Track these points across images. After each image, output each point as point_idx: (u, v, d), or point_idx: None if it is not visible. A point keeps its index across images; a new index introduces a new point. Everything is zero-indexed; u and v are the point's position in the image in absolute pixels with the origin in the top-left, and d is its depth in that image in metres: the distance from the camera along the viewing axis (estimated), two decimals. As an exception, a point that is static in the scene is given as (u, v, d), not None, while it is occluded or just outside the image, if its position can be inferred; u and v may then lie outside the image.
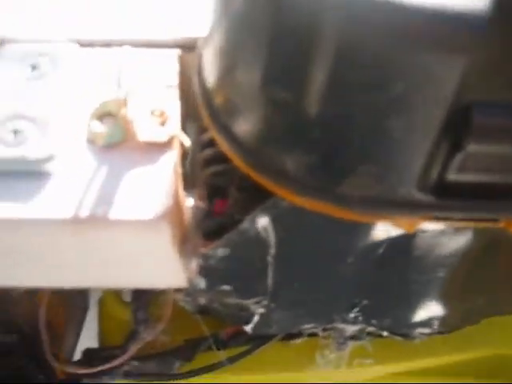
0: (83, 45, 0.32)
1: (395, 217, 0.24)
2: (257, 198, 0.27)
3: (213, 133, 0.27)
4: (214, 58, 0.26)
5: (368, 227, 0.29)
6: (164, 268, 0.30)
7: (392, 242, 0.31)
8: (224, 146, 0.26)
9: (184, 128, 0.31)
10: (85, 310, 0.47)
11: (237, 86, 0.24)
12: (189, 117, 0.32)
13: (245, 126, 0.24)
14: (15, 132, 0.28)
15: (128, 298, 0.41)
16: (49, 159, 0.27)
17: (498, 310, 0.39)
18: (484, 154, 0.22)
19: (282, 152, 0.23)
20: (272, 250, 0.31)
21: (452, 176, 0.22)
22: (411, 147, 0.21)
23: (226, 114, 0.25)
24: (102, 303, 0.46)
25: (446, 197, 0.23)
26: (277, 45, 0.21)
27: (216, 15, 0.25)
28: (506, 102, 0.20)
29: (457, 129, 0.21)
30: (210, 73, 0.27)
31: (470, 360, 0.45)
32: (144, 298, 0.39)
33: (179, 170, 0.28)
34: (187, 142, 0.29)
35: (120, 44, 0.33)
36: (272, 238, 0.29)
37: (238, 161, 0.25)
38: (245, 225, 0.28)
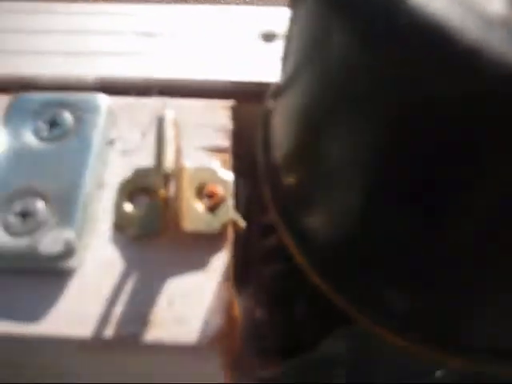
0: (112, 91, 0.26)
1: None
2: (334, 316, 0.21)
3: (277, 225, 0.20)
4: (293, 117, 0.19)
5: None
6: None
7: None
8: (292, 248, 0.19)
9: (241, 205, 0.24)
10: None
11: (321, 169, 0.17)
12: (245, 185, 0.25)
13: (325, 227, 0.17)
14: (24, 215, 0.21)
15: None
16: (67, 255, 0.21)
17: None
18: None
19: (377, 277, 0.16)
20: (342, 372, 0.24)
21: None
22: None
23: (300, 205, 0.18)
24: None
25: None
26: (399, 116, 0.14)
27: (303, 56, 0.18)
28: None
29: None
30: (282, 141, 0.20)
31: None
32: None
33: (232, 270, 0.22)
34: (243, 224, 0.22)
35: (158, 90, 0.27)
36: (344, 361, 0.23)
37: (311, 274, 0.19)
38: (318, 351, 0.21)
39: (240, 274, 0.24)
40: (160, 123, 0.21)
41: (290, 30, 0.18)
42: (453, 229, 0.14)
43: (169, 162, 0.20)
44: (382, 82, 0.14)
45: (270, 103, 0.22)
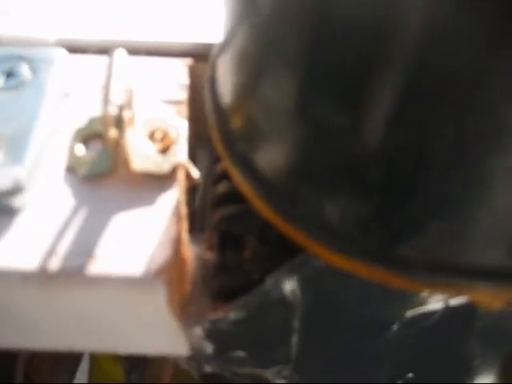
0: (72, 50, 0.26)
1: (475, 289, 0.17)
2: (283, 252, 0.21)
3: (227, 164, 0.20)
4: (233, 68, 0.20)
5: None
6: (158, 334, 0.23)
7: (449, 311, 0.25)
8: (241, 182, 0.19)
9: (193, 155, 0.25)
10: (75, 366, 0.40)
11: (264, 105, 0.17)
12: (200, 141, 0.26)
13: (272, 157, 0.18)
14: (-22, 155, 0.22)
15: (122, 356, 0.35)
16: (16, 191, 0.21)
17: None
18: None
19: (324, 196, 0.17)
20: (298, 315, 0.24)
21: None
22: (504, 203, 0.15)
23: (246, 141, 0.19)
24: (93, 358, 0.39)
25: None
26: (328, 46, 0.14)
27: (237, 12, 0.18)
28: None
29: None
30: (227, 87, 0.20)
31: None
32: (139, 359, 0.33)
33: (184, 211, 0.22)
34: (196, 174, 0.23)
35: (115, 47, 0.27)
36: (300, 301, 0.23)
37: (259, 203, 0.19)
38: (267, 286, 0.21)
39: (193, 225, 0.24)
40: (110, 76, 0.22)
41: None
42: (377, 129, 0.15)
43: (115, 100, 0.21)
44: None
45: (214, 58, 0.22)
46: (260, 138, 0.19)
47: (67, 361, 0.39)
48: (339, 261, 0.18)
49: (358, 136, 0.15)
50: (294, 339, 0.26)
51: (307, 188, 0.17)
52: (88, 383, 0.40)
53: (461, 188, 0.15)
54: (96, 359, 0.39)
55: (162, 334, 0.23)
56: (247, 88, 0.20)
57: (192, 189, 0.25)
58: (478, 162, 0.14)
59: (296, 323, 0.25)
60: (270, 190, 0.18)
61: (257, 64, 0.18)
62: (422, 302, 0.25)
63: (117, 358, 0.37)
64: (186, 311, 0.22)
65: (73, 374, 0.40)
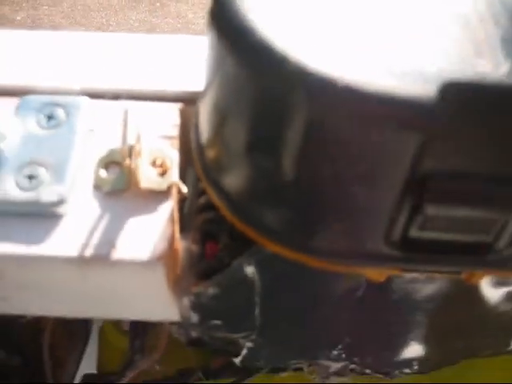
0: (93, 97, 0.36)
1: (364, 268, 0.27)
2: (243, 244, 0.30)
3: (204, 184, 0.30)
4: (207, 115, 0.29)
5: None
6: (158, 303, 0.33)
7: (370, 286, 0.34)
8: (213, 197, 0.29)
9: (184, 175, 0.34)
10: (87, 338, 0.49)
11: (225, 147, 0.27)
12: (189, 164, 0.35)
13: (231, 182, 0.27)
14: (31, 177, 0.31)
15: (126, 328, 0.44)
16: (60, 203, 0.30)
17: (475, 353, 0.42)
18: (441, 217, 0.25)
19: (262, 208, 0.26)
20: (258, 291, 0.33)
21: (414, 233, 0.26)
22: (375, 210, 0.24)
23: (216, 170, 0.28)
24: (102, 332, 0.49)
25: (410, 251, 0.26)
26: (259, 116, 0.24)
27: (209, 73, 0.28)
28: (458, 170, 0.23)
29: (416, 195, 0.24)
30: (204, 129, 0.30)
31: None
32: (141, 329, 0.42)
33: (176, 216, 0.31)
34: (185, 190, 0.32)
35: (127, 96, 0.37)
36: (258, 280, 0.32)
37: (225, 211, 0.29)
38: (232, 268, 0.31)
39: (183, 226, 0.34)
40: (126, 120, 0.31)
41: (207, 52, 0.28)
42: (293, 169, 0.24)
43: (131, 142, 0.30)
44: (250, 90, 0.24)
45: (197, 105, 0.32)
46: (223, 168, 0.29)
47: (80, 334, 0.49)
48: (276, 249, 0.27)
49: (280, 175, 0.25)
50: (257, 311, 0.36)
51: (254, 202, 0.27)
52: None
53: (345, 206, 0.25)
54: (103, 332, 0.49)
55: (161, 303, 0.33)
56: (215, 131, 0.29)
57: (182, 200, 0.34)
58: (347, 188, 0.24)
59: (257, 298, 0.35)
60: (231, 202, 0.28)
61: (220, 118, 0.28)
62: (351, 280, 0.34)
63: (121, 331, 0.46)
64: (177, 286, 0.32)
65: (85, 344, 0.49)
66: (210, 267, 0.32)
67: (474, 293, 0.36)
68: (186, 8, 2.72)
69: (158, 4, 2.73)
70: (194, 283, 0.32)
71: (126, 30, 2.59)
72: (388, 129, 0.21)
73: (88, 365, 0.49)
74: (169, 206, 0.31)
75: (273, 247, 0.27)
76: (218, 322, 0.36)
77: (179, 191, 0.32)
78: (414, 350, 0.41)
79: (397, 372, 0.43)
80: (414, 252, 0.26)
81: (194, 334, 0.38)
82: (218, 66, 0.25)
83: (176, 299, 0.32)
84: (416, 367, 0.43)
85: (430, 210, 0.24)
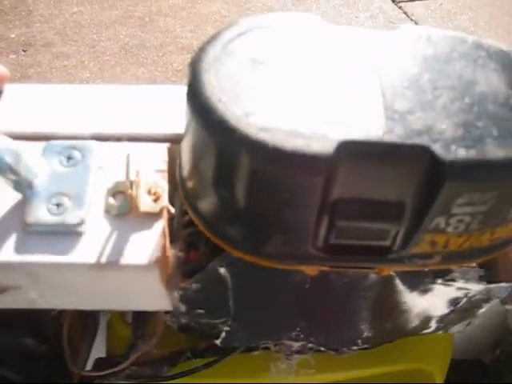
0: (101, 140, 0.47)
1: (300, 266, 0.38)
2: (216, 251, 0.42)
3: (186, 207, 0.41)
4: (186, 156, 0.38)
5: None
6: (155, 296, 0.43)
7: (314, 280, 0.45)
8: (192, 217, 0.40)
9: (172, 200, 0.45)
10: (95, 331, 0.61)
11: (199, 181, 0.38)
12: (176, 191, 0.46)
13: (204, 206, 0.38)
14: (58, 205, 0.42)
15: (129, 320, 0.55)
16: (80, 224, 0.41)
17: (403, 332, 0.53)
18: (350, 229, 0.36)
19: (226, 225, 0.37)
20: (230, 287, 0.44)
21: (333, 241, 0.36)
22: (303, 225, 0.35)
23: (194, 197, 0.39)
24: (109, 324, 0.60)
25: (332, 253, 0.37)
26: (217, 165, 0.35)
27: (186, 127, 0.36)
28: (357, 197, 0.34)
29: (330, 214, 0.35)
30: (184, 166, 0.40)
31: (390, 372, 0.59)
32: (142, 319, 0.53)
33: (167, 231, 0.43)
34: (173, 211, 0.43)
35: (127, 138, 0.48)
36: (229, 278, 0.43)
37: (201, 227, 0.40)
38: (208, 269, 0.42)
39: (173, 238, 0.45)
40: (127, 158, 0.42)
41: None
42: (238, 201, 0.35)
43: (131, 177, 0.41)
44: (210, 148, 0.35)
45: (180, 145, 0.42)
46: (199, 196, 0.40)
47: (90, 327, 0.60)
48: (238, 254, 0.38)
49: (235, 203, 0.36)
50: (231, 302, 0.47)
51: (220, 220, 0.38)
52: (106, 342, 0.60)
53: (281, 223, 0.36)
54: (111, 324, 0.60)
55: (157, 296, 0.44)
56: (191, 169, 0.39)
57: (171, 218, 0.45)
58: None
59: (230, 292, 0.46)
60: (205, 221, 0.38)
61: (194, 159, 0.38)
62: (298, 275, 0.45)
63: (125, 322, 0.57)
64: (168, 283, 0.43)
65: (94, 336, 0.61)
66: (192, 268, 0.43)
67: (395, 285, 0.47)
68: (173, 22, 2.82)
69: (147, 19, 2.83)
70: (181, 280, 0.43)
71: (116, 45, 2.70)
72: (303, 175, 0.32)
73: (99, 351, 0.60)
74: (161, 224, 0.42)
75: (235, 253, 0.38)
76: (201, 311, 0.47)
77: (169, 212, 0.43)
78: (357, 330, 0.52)
79: (345, 349, 0.54)
80: (335, 254, 0.37)
81: (183, 321, 0.48)
82: (190, 126, 0.36)
83: (168, 293, 0.43)
84: (360, 345, 0.54)
85: (340, 224, 0.35)
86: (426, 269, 0.39)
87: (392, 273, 0.43)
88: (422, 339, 0.59)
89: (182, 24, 2.85)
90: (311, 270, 0.39)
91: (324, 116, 0.33)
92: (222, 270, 0.42)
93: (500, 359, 0.79)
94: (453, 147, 0.32)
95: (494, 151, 0.33)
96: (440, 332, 0.54)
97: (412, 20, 2.96)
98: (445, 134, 0.33)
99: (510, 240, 0.40)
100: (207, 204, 0.37)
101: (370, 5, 3.02)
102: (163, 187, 0.43)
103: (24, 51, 2.60)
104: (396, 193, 0.34)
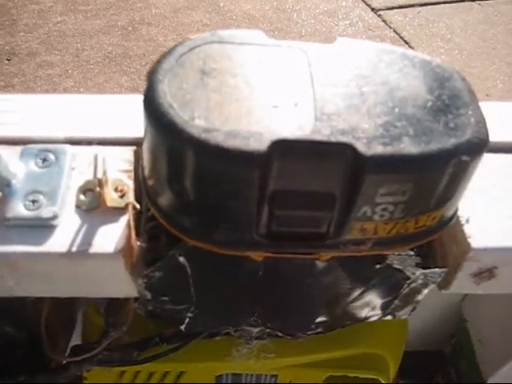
0: (73, 143, 0.52)
1: (247, 252, 0.43)
2: (175, 241, 0.47)
3: (147, 202, 0.46)
4: (145, 155, 0.42)
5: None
6: (121, 284, 0.48)
7: (266, 268, 0.50)
8: (153, 211, 0.45)
9: (139, 197, 0.50)
10: (74, 319, 0.65)
11: (156, 179, 0.43)
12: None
13: (162, 201, 0.43)
14: (33, 201, 0.47)
15: (103, 310, 0.60)
16: (54, 218, 0.46)
17: (355, 318, 0.58)
18: (290, 217, 0.41)
19: (181, 217, 0.42)
20: (190, 274, 0.49)
21: (275, 228, 0.41)
22: (246, 215, 0.40)
23: (153, 193, 0.44)
24: (85, 314, 0.65)
25: (275, 240, 0.42)
26: (168, 163, 0.40)
27: (144, 131, 0.40)
28: (292, 189, 0.39)
29: (269, 205, 0.40)
30: (145, 166, 0.45)
31: (344, 356, 0.64)
32: (113, 309, 0.58)
33: (132, 224, 0.47)
34: (138, 206, 0.48)
35: (97, 142, 0.53)
36: (188, 266, 0.48)
37: (161, 220, 0.45)
38: (168, 257, 0.47)
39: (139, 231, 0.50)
40: (95, 159, 0.47)
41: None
42: (189, 193, 0.41)
43: (99, 176, 0.46)
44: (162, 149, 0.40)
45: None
46: (157, 192, 0.44)
47: (69, 316, 0.65)
48: (193, 242, 0.43)
49: (186, 195, 0.41)
50: (192, 289, 0.51)
51: (176, 213, 0.43)
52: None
53: (227, 213, 0.41)
54: (86, 314, 0.65)
55: (123, 283, 0.49)
56: (150, 168, 0.44)
57: (140, 213, 0.50)
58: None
59: (190, 280, 0.50)
60: (164, 214, 0.44)
61: (151, 159, 0.43)
62: (252, 264, 0.50)
63: (99, 313, 0.62)
64: (133, 270, 0.48)
65: (73, 325, 0.65)
66: (154, 257, 0.48)
67: (340, 273, 0.52)
68: (156, 31, 2.87)
69: (130, 28, 2.87)
70: (145, 269, 0.48)
71: (100, 53, 2.74)
72: (241, 170, 0.37)
73: (75, 339, 0.65)
74: (126, 218, 0.47)
75: (190, 241, 0.43)
76: (165, 298, 0.51)
77: (134, 207, 0.48)
78: (310, 315, 0.57)
79: (300, 333, 0.59)
80: (278, 240, 0.42)
81: (149, 307, 0.53)
82: (147, 129, 0.41)
83: (133, 280, 0.48)
84: (315, 329, 0.59)
85: (279, 213, 0.40)
86: (360, 254, 0.44)
87: (334, 261, 0.48)
88: (376, 325, 0.63)
89: (164, 33, 2.90)
90: (257, 256, 0.43)
91: (261, 119, 0.38)
92: (181, 259, 0.47)
93: (456, 348, 0.84)
94: (373, 144, 0.37)
95: (410, 147, 0.38)
96: (389, 318, 0.59)
97: (391, 28, 3.03)
98: (367, 133, 0.38)
99: (434, 229, 0.45)
100: (164, 199, 0.42)
101: (349, 13, 3.09)
102: (129, 185, 0.48)
103: (8, 60, 2.64)
104: (326, 185, 0.39)
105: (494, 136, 0.50)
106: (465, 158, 0.39)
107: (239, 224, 0.40)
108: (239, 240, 0.41)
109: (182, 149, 0.37)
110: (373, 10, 3.12)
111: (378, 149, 0.37)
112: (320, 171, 0.38)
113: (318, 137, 0.37)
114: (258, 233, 0.41)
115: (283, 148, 0.37)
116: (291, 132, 0.37)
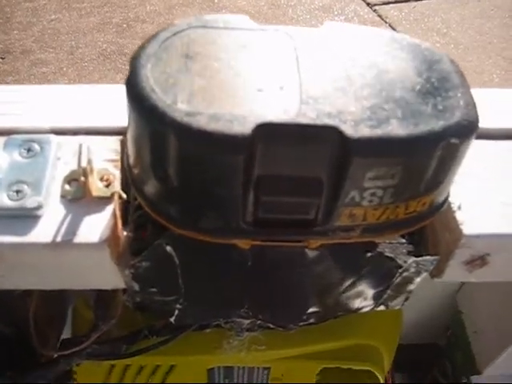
0: (58, 133, 0.51)
1: (234, 240, 0.43)
2: (162, 230, 0.46)
3: (134, 191, 0.45)
4: (130, 143, 0.40)
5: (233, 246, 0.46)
6: (108, 274, 0.48)
7: (256, 256, 0.49)
8: (139, 199, 0.44)
9: (126, 187, 0.49)
10: (65, 314, 0.65)
11: (141, 166, 0.42)
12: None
13: (148, 189, 0.42)
14: (17, 191, 0.46)
15: (92, 304, 0.59)
16: (39, 208, 0.45)
17: (343, 309, 0.57)
18: (276, 203, 0.40)
19: (167, 204, 0.41)
20: (177, 265, 0.48)
21: (262, 215, 0.41)
22: (232, 201, 0.40)
23: (139, 181, 0.43)
24: (74, 308, 0.64)
25: (262, 227, 0.42)
26: (152, 149, 0.39)
27: (127, 118, 0.39)
28: (277, 174, 0.38)
29: (255, 191, 0.39)
30: (130, 154, 0.43)
31: (338, 348, 0.64)
32: (103, 302, 0.57)
33: (118, 213, 0.47)
34: (124, 196, 0.47)
35: (83, 132, 0.52)
36: (175, 256, 0.48)
37: (147, 208, 0.44)
38: (154, 246, 0.46)
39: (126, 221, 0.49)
40: (80, 148, 0.47)
41: None
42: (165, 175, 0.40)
43: (84, 165, 0.46)
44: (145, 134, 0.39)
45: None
46: (143, 181, 0.43)
47: (58, 310, 0.64)
48: (178, 231, 0.43)
49: (170, 182, 0.40)
50: (180, 280, 0.51)
51: (161, 201, 0.42)
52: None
53: (213, 200, 0.40)
54: (75, 308, 0.64)
55: (109, 274, 0.48)
56: (134, 155, 0.43)
57: (127, 202, 0.49)
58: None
59: (178, 270, 0.50)
60: (150, 202, 0.43)
61: (135, 146, 0.42)
62: (240, 253, 0.49)
63: (89, 306, 0.61)
64: (119, 261, 0.47)
65: (64, 320, 0.65)
66: (141, 247, 0.47)
67: (331, 262, 0.51)
68: (151, 28, 2.86)
69: (124, 25, 2.86)
70: (131, 259, 0.47)
71: (94, 51, 2.74)
72: (225, 154, 0.36)
73: (66, 334, 0.64)
74: (111, 207, 0.46)
75: (176, 230, 0.42)
76: (153, 289, 0.51)
77: (121, 197, 0.48)
78: (301, 306, 0.56)
79: (292, 325, 0.58)
80: (265, 228, 0.41)
81: (138, 299, 0.52)
82: (130, 115, 0.40)
83: (120, 270, 0.47)
84: (306, 320, 0.58)
85: (265, 199, 0.39)
86: (350, 241, 0.43)
87: (324, 250, 0.48)
88: (369, 316, 0.63)
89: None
90: (244, 244, 0.43)
91: (245, 102, 0.37)
92: (168, 248, 0.46)
93: (451, 340, 0.83)
94: (360, 127, 0.37)
95: (398, 130, 0.37)
96: (382, 308, 0.58)
97: (386, 22, 3.02)
98: (353, 116, 0.37)
99: (424, 215, 0.44)
100: (149, 187, 0.42)
101: (344, 8, 3.08)
102: (115, 174, 0.47)
103: (2, 58, 2.63)
104: (313, 170, 0.38)
105: (487, 122, 0.50)
106: (454, 140, 0.38)
107: (225, 211, 0.40)
108: (225, 227, 0.41)
109: (164, 133, 0.36)
110: (368, 4, 3.11)
111: (365, 131, 0.36)
112: (306, 155, 0.37)
113: (303, 120, 0.36)
114: (244, 220, 0.40)
115: (268, 131, 0.36)
116: (276, 115, 0.36)
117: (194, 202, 0.40)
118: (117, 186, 0.47)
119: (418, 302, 0.82)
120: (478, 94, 0.42)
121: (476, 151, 0.52)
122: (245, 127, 0.35)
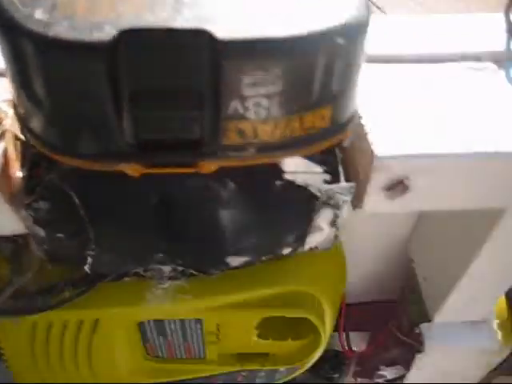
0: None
1: (118, 165, 0.40)
2: (54, 165, 0.44)
3: (23, 132, 0.43)
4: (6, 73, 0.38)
5: (133, 181, 0.43)
6: (3, 218, 0.46)
7: (161, 194, 0.47)
8: (24, 133, 0.42)
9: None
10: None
11: (17, 93, 0.40)
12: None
13: (30, 121, 0.39)
14: None
15: (7, 255, 0.57)
16: None
17: (265, 252, 0.54)
18: (156, 120, 0.38)
19: (47, 132, 0.39)
20: (80, 205, 0.46)
21: (144, 136, 0.38)
22: (105, 121, 0.37)
23: (23, 118, 0.40)
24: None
25: (147, 151, 0.39)
26: (16, 65, 0.37)
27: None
28: (151, 86, 0.36)
29: (128, 106, 0.37)
30: (9, 83, 0.40)
31: (274, 296, 0.61)
32: (18, 256, 0.55)
33: (10, 152, 0.44)
34: (19, 134, 0.45)
35: None
36: (74, 195, 0.45)
37: (34, 143, 0.42)
38: (46, 182, 0.44)
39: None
40: None
41: None
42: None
43: None
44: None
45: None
46: (24, 113, 0.40)
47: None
48: (62, 159, 0.41)
49: (42, 105, 0.37)
50: (86, 223, 0.48)
51: (44, 131, 0.39)
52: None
53: (83, 119, 0.38)
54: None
55: (4, 217, 0.46)
56: (11, 86, 0.39)
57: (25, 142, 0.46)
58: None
59: (82, 211, 0.47)
60: (35, 136, 0.40)
61: (7, 71, 0.39)
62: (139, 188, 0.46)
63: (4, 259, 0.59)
64: (12, 201, 0.45)
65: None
66: (35, 185, 0.45)
67: (244, 200, 0.49)
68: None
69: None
70: (25, 197, 0.45)
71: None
72: (84, 64, 0.34)
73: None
74: (2, 146, 0.44)
75: (59, 159, 0.40)
76: (60, 235, 0.49)
77: (17, 137, 0.45)
78: (221, 249, 0.54)
79: (213, 269, 0.56)
80: (149, 150, 0.39)
81: (45, 247, 0.50)
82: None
83: (16, 212, 0.45)
84: (228, 265, 0.55)
85: (141, 115, 0.37)
86: (246, 162, 0.41)
87: (228, 180, 0.45)
88: (306, 262, 0.61)
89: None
90: (132, 170, 0.40)
91: (109, 11, 0.35)
92: (64, 185, 0.44)
93: (404, 291, 0.82)
94: (232, 30, 0.35)
95: (273, 31, 0.35)
96: (310, 250, 0.56)
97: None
98: (226, 19, 0.35)
99: (327, 132, 0.42)
100: (29, 116, 0.40)
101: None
102: (7, 112, 0.45)
103: None
104: (187, 80, 0.36)
105: (400, 48, 0.49)
106: (340, 40, 0.36)
107: (101, 132, 0.38)
108: (107, 152, 0.39)
109: (22, 46, 0.34)
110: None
111: (237, 33, 0.34)
112: (178, 64, 0.35)
113: (171, 24, 0.34)
114: (126, 143, 0.38)
115: (132, 38, 0.34)
116: (142, 22, 0.34)
117: (69, 123, 0.38)
118: (8, 124, 0.44)
119: (369, 258, 0.80)
120: (393, 21, 0.40)
121: (389, 75, 0.51)
122: (106, 34, 0.33)
